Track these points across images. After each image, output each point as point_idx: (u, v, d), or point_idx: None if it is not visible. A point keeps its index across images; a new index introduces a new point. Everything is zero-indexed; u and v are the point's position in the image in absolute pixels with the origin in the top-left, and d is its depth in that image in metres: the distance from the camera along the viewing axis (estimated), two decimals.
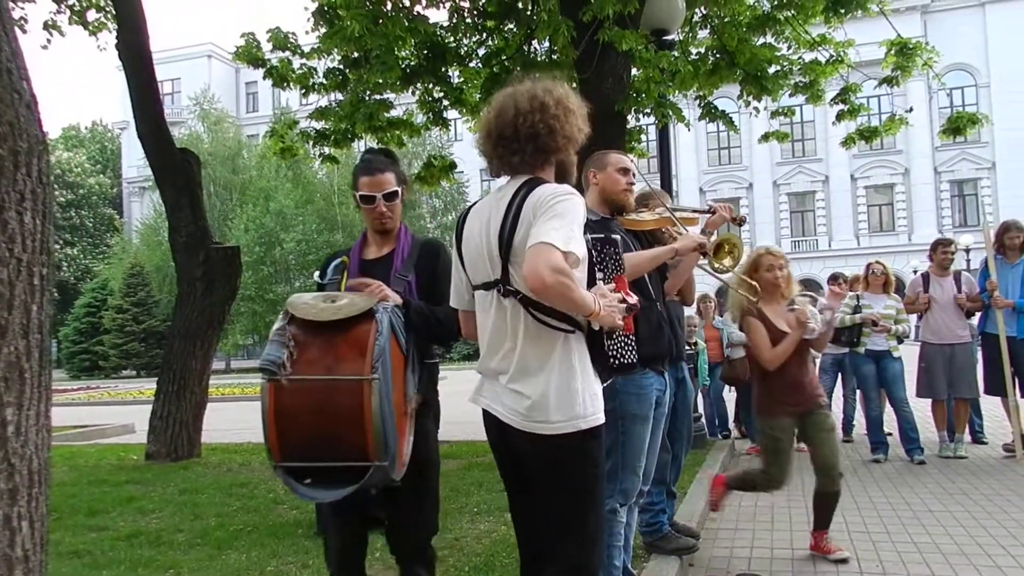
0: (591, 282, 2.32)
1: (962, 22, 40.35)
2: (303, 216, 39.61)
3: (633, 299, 2.36)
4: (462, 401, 2.75)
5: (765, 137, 10.35)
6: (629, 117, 8.26)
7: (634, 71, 7.92)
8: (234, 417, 14.86)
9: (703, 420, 8.51)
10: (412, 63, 8.49)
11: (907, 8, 38.53)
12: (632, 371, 2.79)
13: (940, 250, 7.51)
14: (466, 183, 43.13)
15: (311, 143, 9.14)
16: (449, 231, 44.97)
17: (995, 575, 3.99)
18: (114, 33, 8.88)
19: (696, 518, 4.98)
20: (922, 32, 35.82)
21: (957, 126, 8.71)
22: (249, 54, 8.20)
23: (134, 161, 50.53)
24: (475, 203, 2.53)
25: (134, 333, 40.96)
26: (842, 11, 8.46)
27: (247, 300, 38.31)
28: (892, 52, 8.73)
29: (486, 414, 2.42)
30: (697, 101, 9.77)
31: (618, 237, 2.80)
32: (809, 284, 23.33)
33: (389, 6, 7.87)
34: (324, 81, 8.50)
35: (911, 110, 9.65)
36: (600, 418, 2.29)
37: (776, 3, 8.78)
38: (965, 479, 6.25)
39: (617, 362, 2.58)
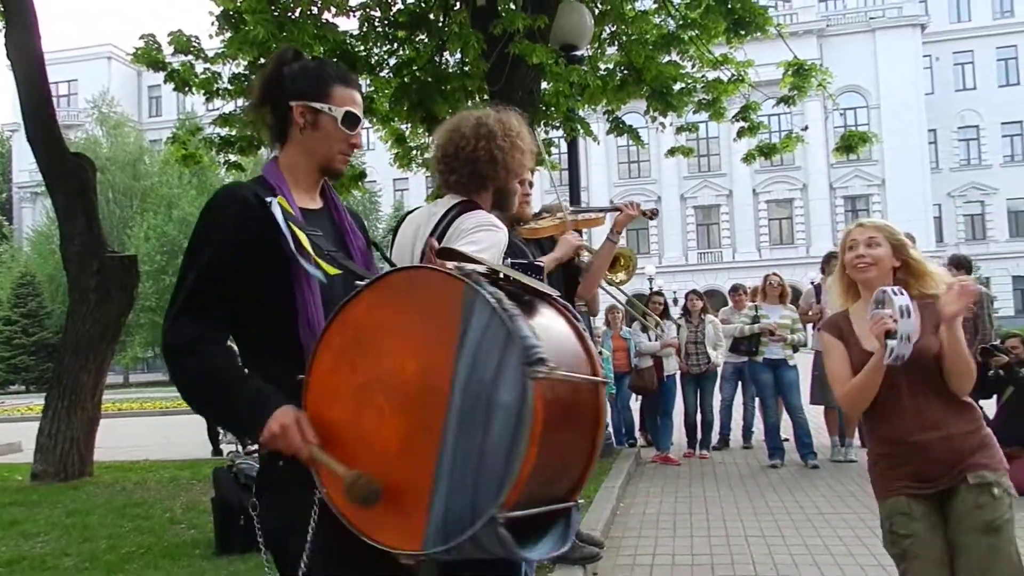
0: None
1: (854, 46, 42.48)
2: None
3: None
4: None
5: (671, 152, 10.63)
6: (539, 130, 8.36)
7: (544, 85, 8.03)
8: (131, 433, 14.26)
9: (610, 429, 8.64)
10: None
11: (804, 32, 40.33)
12: None
13: (832, 263, 7.85)
14: (378, 192, 42.75)
15: (215, 150, 8.88)
16: None
17: (879, 573, 4.18)
18: (2, 32, 8.43)
19: (600, 526, 5.05)
20: (818, 55, 37.54)
21: (849, 144, 9.18)
22: (148, 56, 7.91)
23: (26, 165, 47.76)
24: (412, 211, 2.53)
25: (23, 346, 38.75)
26: (742, 32, 8.79)
27: (147, 311, 36.79)
28: (789, 73, 9.12)
29: None
30: (606, 116, 9.97)
31: (541, 265, 2.77)
32: (712, 295, 24.06)
33: (297, 12, 7.73)
34: (229, 87, 8.28)
35: (806, 128, 10.11)
36: None
37: (680, 23, 9.06)
38: (855, 482, 6.54)
39: None
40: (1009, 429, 6.05)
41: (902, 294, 2.34)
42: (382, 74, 8.90)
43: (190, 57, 8.10)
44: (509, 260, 2.51)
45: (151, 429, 15.44)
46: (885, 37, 42.55)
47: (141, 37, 7.95)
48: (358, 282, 1.65)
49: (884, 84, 42.07)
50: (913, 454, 2.47)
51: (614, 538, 5.17)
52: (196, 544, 5.12)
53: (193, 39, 7.99)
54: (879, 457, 2.60)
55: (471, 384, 1.52)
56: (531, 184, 3.47)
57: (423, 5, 8.37)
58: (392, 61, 8.96)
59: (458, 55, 8.31)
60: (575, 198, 8.12)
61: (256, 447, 7.66)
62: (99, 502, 6.62)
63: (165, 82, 8.09)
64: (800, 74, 9.05)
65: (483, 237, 2.21)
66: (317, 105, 1.91)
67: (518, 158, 2.40)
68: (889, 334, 2.33)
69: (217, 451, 10.34)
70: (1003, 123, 43.59)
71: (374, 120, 9.32)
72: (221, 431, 10.57)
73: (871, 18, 43.29)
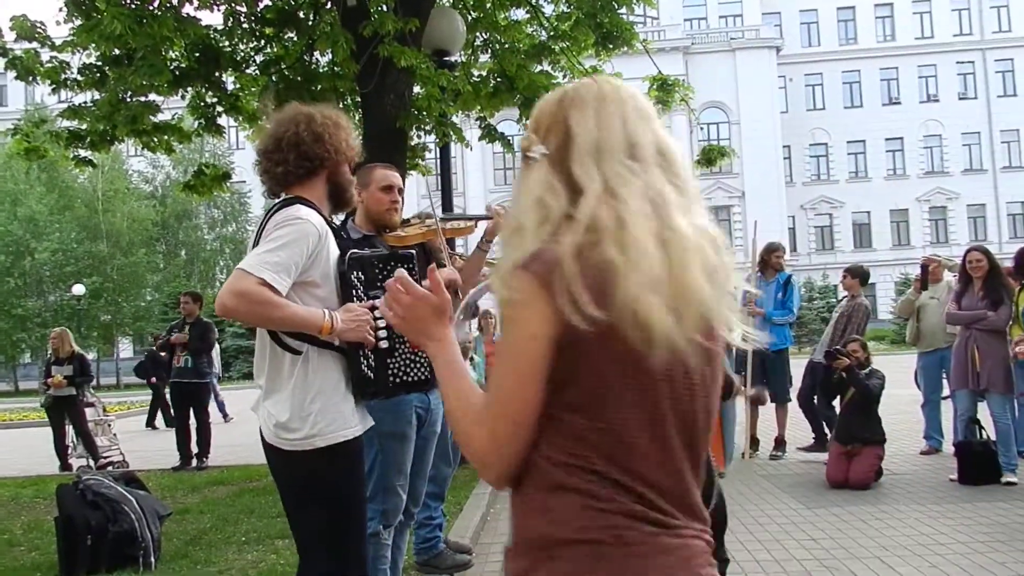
0: (348, 302, 2.34)
1: (717, 64, 44.64)
2: (60, 224, 35.85)
3: None
4: (237, 424, 2.61)
5: None
6: (411, 134, 8.31)
7: (417, 89, 7.99)
8: None
9: None
10: (182, 65, 7.98)
11: (671, 48, 41.99)
12: (424, 388, 2.62)
13: None
14: (248, 193, 41.25)
15: (64, 144, 8.30)
16: (228, 243, 42.76)
17: (733, 568, 4.38)
18: None
19: (470, 533, 5.05)
20: (684, 71, 39.19)
21: (710, 157, 9.62)
22: None
23: None
24: None
25: None
26: (611, 46, 9.05)
27: None
28: (654, 87, 9.46)
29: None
30: (478, 122, 10.02)
31: (411, 253, 2.62)
32: None
33: (156, 3, 7.35)
34: (79, 77, 7.77)
35: None
36: (342, 436, 2.32)
37: (552, 34, 9.23)
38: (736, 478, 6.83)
39: (399, 379, 2.45)
40: (851, 428, 6.52)
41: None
42: (248, 71, 8.60)
43: (35, 44, 7.55)
44: (365, 251, 2.46)
45: None
46: (744, 57, 44.94)
47: None
48: None
49: (743, 101, 44.40)
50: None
51: (483, 544, 5.18)
52: (37, 567, 4.78)
53: (39, 25, 7.45)
54: None
55: None
56: (401, 191, 3.44)
57: (292, 3, 8.16)
58: (259, 58, 8.68)
59: (328, 55, 8.15)
60: (448, 204, 8.11)
61: (110, 462, 7.28)
62: None
63: (6, 69, 7.50)
64: (664, 88, 9.41)
65: (282, 233, 2.22)
66: None
67: (342, 137, 2.41)
68: None
69: (66, 466, 9.67)
70: (848, 141, 46.94)
71: (240, 119, 8.99)
72: (71, 445, 9.90)
73: (732, 38, 45.61)
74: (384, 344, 2.36)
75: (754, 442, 7.99)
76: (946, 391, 7.79)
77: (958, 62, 46.46)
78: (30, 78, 7.56)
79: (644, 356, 1.11)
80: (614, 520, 1.12)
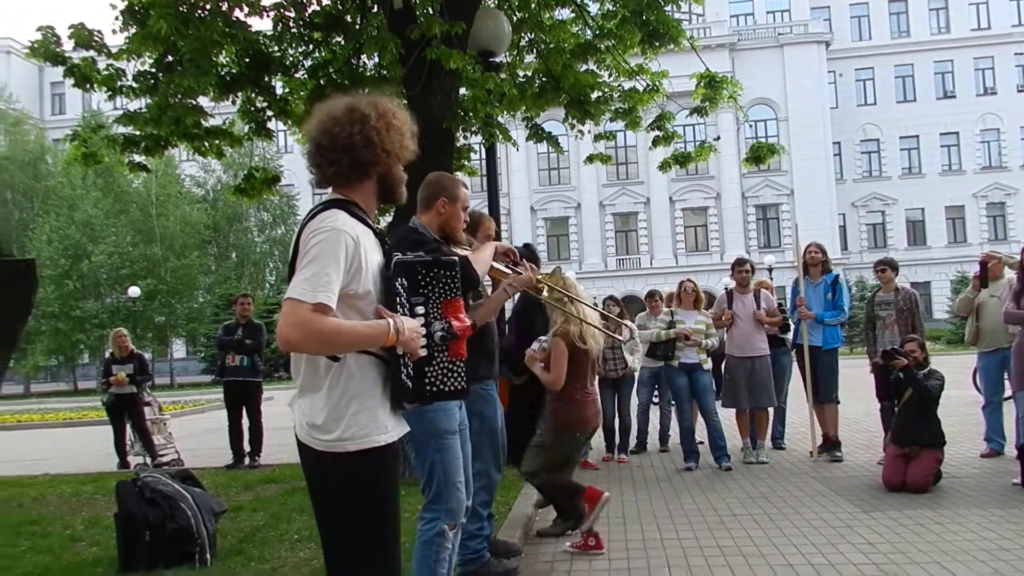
0: (393, 309, 2.29)
1: (764, 60, 43.97)
2: (116, 227, 36.84)
3: (463, 323, 2.37)
4: (287, 422, 2.64)
5: (590, 159, 10.76)
6: (458, 135, 8.34)
7: (462, 91, 8.02)
8: (31, 447, 13.56)
9: None
10: (232, 70, 8.12)
11: (717, 45, 41.53)
12: (460, 397, 2.53)
13: (737, 269, 8.10)
14: (296, 196, 41.96)
15: (119, 149, 8.51)
16: (278, 245, 43.50)
17: (787, 572, 4.31)
18: None
19: (519, 533, 5.05)
20: (730, 68, 38.73)
21: (758, 155, 9.45)
22: (46, 50, 7.53)
23: None
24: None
25: None
26: (657, 44, 8.96)
27: (49, 318, 35.11)
28: (702, 84, 9.35)
29: None
30: (524, 123, 10.02)
31: (455, 259, 2.53)
32: (630, 301, 24.43)
33: (207, 8, 7.48)
34: (134, 84, 7.95)
35: (719, 138, 10.38)
36: (375, 441, 2.28)
37: (597, 33, 9.18)
38: (766, 483, 6.73)
39: (435, 388, 2.39)
40: (908, 429, 6.35)
41: None
42: (297, 75, 8.72)
43: (92, 52, 7.76)
44: (409, 256, 2.42)
45: (53, 441, 14.71)
46: (792, 52, 44.20)
47: (38, 29, 7.57)
48: None
49: (792, 98, 43.67)
50: None
51: (532, 543, 5.17)
52: (98, 562, 4.90)
53: (96, 33, 7.65)
54: None
55: None
56: (466, 208, 3.70)
57: (339, 7, 8.25)
58: (307, 63, 8.79)
59: (375, 59, 8.22)
60: (494, 204, 8.12)
61: (166, 460, 7.47)
62: None
63: (64, 77, 7.71)
64: (712, 86, 9.28)
65: (318, 251, 2.19)
66: None
67: (396, 139, 2.38)
68: None
69: (124, 464, 9.92)
70: (901, 137, 45.87)
71: (290, 122, 9.12)
72: (129, 443, 10.16)
73: (779, 34, 44.89)
74: (423, 352, 2.32)
75: (834, 443, 7.78)
76: (1007, 392, 7.55)
77: (1016, 53, 45.09)
78: (87, 85, 7.76)
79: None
80: None
